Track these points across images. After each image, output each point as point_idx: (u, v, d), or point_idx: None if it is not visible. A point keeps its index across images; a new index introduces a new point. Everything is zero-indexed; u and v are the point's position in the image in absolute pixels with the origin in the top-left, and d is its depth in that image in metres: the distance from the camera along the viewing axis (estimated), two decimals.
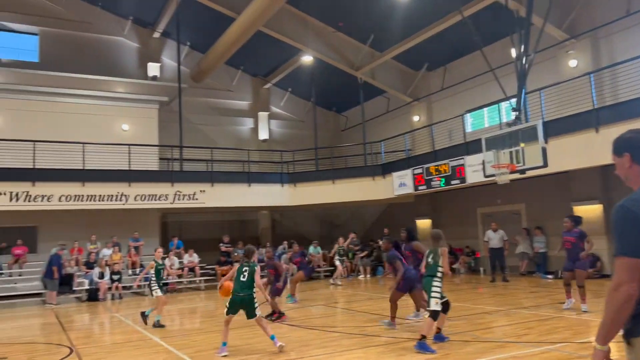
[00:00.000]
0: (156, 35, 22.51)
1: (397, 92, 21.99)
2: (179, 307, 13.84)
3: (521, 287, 13.91)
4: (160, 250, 10.60)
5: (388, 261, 8.95)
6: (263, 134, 25.19)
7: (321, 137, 24.14)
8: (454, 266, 18.74)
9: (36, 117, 18.48)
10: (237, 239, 20.67)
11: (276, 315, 10.00)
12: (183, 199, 17.99)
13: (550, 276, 15.48)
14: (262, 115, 25.29)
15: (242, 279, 7.16)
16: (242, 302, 7.11)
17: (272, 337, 7.10)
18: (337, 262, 18.66)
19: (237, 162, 20.71)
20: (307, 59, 20.20)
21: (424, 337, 6.69)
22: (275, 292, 10.54)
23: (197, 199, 18.21)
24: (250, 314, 7.12)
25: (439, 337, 7.23)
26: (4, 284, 15.94)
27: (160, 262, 10.17)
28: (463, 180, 15.61)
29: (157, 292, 9.99)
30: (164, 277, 11.00)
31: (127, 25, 22.27)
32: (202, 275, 18.37)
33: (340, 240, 19.39)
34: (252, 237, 23.11)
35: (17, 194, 15.58)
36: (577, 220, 9.97)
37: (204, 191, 18.35)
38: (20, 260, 16.69)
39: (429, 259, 7.33)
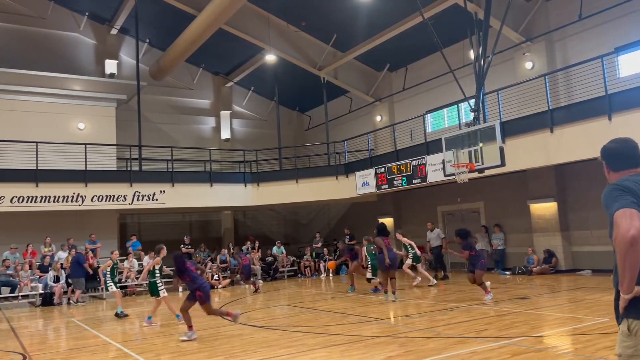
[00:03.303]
0: (114, 31, 21.91)
1: (360, 92, 22.14)
2: (138, 310, 13.50)
3: None
4: (117, 252, 12.30)
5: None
6: (225, 133, 24.88)
7: (284, 137, 24.05)
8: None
9: None
10: (199, 240, 20.38)
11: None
12: (142, 199, 17.58)
13: (508, 272, 15.91)
14: (224, 114, 24.97)
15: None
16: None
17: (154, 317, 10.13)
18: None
19: (198, 162, 20.38)
20: (269, 57, 20.07)
21: None
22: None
23: (157, 200, 17.83)
24: (154, 294, 10.52)
25: None
26: None
27: (116, 261, 11.85)
28: (424, 179, 15.85)
29: (113, 288, 11.67)
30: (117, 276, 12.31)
31: (82, 21, 21.58)
32: (163, 277, 17.91)
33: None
34: (215, 238, 22.86)
35: None
36: (462, 234, 11.11)
37: (164, 191, 17.98)
38: None
39: None
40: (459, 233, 11.13)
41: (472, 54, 13.66)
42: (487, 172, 12.96)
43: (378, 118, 22.18)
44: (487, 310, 9.52)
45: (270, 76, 22.64)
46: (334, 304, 11.83)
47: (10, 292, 15.10)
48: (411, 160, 16.31)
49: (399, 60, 20.80)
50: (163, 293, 10.40)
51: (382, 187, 17.47)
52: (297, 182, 19.61)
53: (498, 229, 16.88)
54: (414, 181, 16.24)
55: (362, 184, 18.24)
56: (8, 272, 15.29)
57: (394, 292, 11.42)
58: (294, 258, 21.21)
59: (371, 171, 17.84)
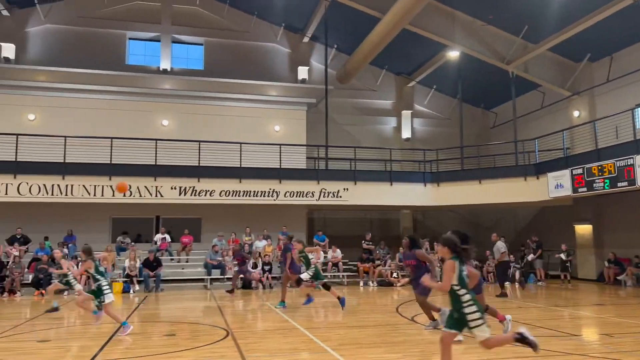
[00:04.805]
0: (305, 39, 23.63)
1: (554, 85, 20.33)
2: (323, 300, 14.37)
3: None
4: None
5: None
6: (406, 133, 25.03)
7: (467, 135, 23.30)
8: (619, 277, 16.88)
9: (201, 119, 20.58)
10: (379, 237, 20.85)
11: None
12: (328, 196, 18.68)
13: None
14: (405, 113, 25.13)
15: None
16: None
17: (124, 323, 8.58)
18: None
19: (379, 161, 20.90)
20: (453, 54, 19.60)
21: None
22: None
23: (340, 197, 18.78)
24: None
25: None
26: (173, 269, 17.98)
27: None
28: (632, 182, 13.94)
29: (77, 287, 11.46)
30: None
31: (279, 32, 23.70)
32: (345, 270, 18.86)
33: None
34: (393, 236, 23.12)
35: (184, 189, 17.54)
36: (414, 241, 8.93)
37: (347, 189, 18.83)
38: (187, 248, 18.71)
39: None
40: (410, 237, 8.99)
41: None
42: None
43: (575, 113, 20.10)
44: None
45: (454, 73, 22.12)
46: (520, 313, 11.09)
47: (221, 274, 17.36)
48: (616, 161, 14.48)
49: (602, 49, 18.58)
50: (109, 298, 8.59)
51: (580, 190, 15.82)
52: (480, 182, 18.84)
53: None
54: (619, 184, 14.39)
55: (555, 186, 16.75)
56: (217, 257, 17.57)
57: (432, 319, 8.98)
58: (476, 262, 20.33)
59: (566, 172, 16.28)
